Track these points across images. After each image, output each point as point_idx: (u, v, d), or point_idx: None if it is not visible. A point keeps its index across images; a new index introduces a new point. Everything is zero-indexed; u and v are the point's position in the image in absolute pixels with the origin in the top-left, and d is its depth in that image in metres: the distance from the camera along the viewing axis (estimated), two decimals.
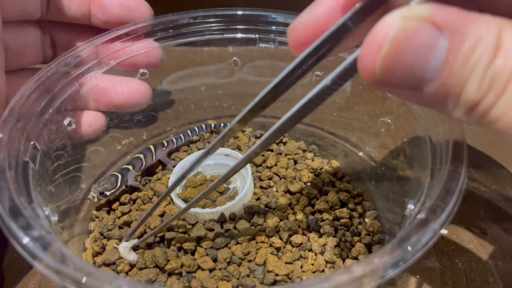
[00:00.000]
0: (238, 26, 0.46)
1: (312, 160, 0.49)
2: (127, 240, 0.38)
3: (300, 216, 0.41)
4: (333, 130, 0.52)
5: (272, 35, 0.46)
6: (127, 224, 0.42)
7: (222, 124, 0.55)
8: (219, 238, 0.39)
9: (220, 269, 0.37)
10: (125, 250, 0.38)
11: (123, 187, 0.45)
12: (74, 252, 0.39)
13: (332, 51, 0.24)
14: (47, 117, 0.37)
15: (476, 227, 0.43)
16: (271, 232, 0.39)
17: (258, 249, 0.38)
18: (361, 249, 0.39)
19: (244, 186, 0.44)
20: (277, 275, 0.36)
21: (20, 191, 0.30)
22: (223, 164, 0.49)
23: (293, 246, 0.39)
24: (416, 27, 0.19)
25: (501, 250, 0.41)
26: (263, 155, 0.50)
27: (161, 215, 0.42)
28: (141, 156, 0.47)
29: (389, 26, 0.19)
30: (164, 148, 0.50)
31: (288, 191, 0.45)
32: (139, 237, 0.39)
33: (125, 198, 0.44)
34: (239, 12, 0.45)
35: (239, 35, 0.47)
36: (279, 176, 0.47)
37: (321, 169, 0.48)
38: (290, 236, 0.39)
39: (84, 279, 0.24)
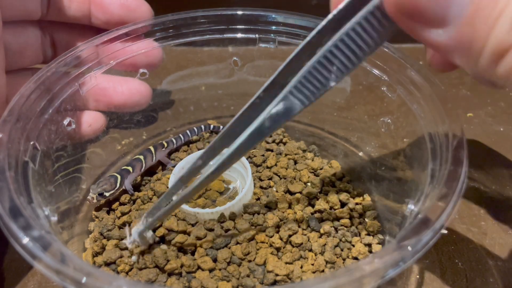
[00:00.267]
0: (238, 26, 0.46)
1: (312, 160, 0.49)
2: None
3: (300, 216, 0.41)
4: (333, 130, 0.52)
5: (272, 35, 0.46)
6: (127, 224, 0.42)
7: (221, 126, 0.55)
8: (219, 238, 0.39)
9: (220, 269, 0.37)
10: (139, 232, 0.36)
11: (122, 188, 0.45)
12: (74, 252, 0.39)
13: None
14: (47, 117, 0.37)
15: (476, 227, 0.44)
16: (271, 232, 0.39)
17: (258, 249, 0.38)
18: (361, 249, 0.39)
19: (244, 186, 0.44)
20: (277, 275, 0.36)
21: (20, 191, 0.30)
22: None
23: (293, 246, 0.39)
24: None
25: (501, 250, 0.41)
26: (263, 155, 0.50)
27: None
28: (141, 157, 0.47)
29: None
30: (164, 149, 0.50)
31: (288, 191, 0.45)
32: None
33: (125, 198, 0.44)
34: (239, 12, 0.45)
35: (239, 35, 0.47)
36: (279, 176, 0.47)
37: (321, 169, 0.48)
38: (290, 236, 0.39)
39: (84, 279, 0.24)
